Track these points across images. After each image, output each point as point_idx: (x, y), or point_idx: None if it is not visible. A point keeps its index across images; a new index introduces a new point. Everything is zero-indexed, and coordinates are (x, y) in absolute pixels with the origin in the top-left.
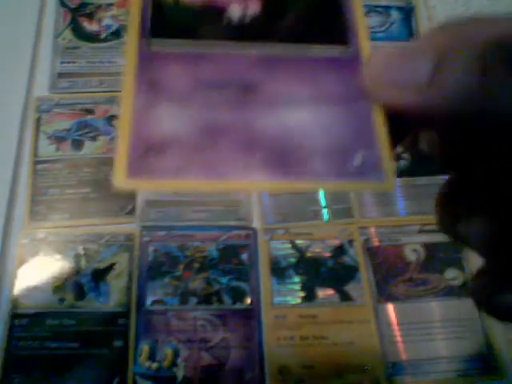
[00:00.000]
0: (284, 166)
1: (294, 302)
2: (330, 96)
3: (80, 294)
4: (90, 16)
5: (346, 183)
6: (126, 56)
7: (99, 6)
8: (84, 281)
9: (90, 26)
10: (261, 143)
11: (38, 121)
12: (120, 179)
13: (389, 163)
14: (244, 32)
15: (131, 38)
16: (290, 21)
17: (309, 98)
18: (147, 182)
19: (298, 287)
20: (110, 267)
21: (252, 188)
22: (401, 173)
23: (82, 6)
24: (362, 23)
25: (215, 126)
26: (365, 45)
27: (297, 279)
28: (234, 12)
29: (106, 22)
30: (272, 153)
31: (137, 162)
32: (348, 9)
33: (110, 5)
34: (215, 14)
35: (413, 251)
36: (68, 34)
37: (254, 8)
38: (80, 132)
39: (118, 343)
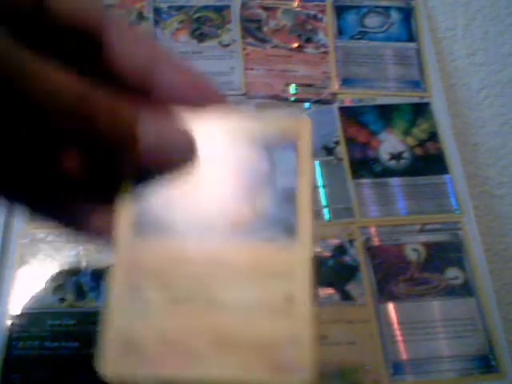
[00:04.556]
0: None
1: None
2: None
3: (80, 294)
4: None
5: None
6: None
7: None
8: (84, 281)
9: None
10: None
11: None
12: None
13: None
14: None
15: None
16: None
17: None
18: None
19: None
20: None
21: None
22: (401, 172)
23: None
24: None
25: None
26: None
27: None
28: None
29: None
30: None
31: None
32: None
33: (110, 6)
34: None
35: (413, 251)
36: None
37: None
38: None
39: None
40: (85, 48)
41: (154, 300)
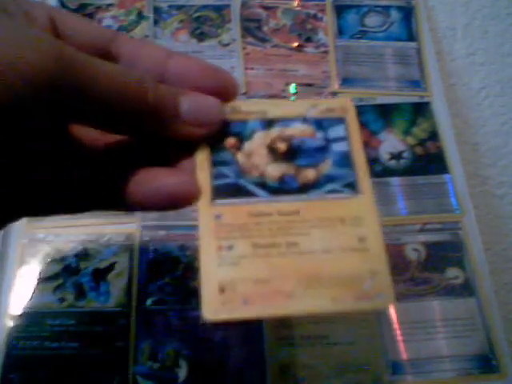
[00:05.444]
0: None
1: None
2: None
3: (80, 293)
4: (90, 17)
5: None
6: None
7: (99, 7)
8: (84, 281)
9: None
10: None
11: None
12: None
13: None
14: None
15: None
16: None
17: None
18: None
19: None
20: (110, 267)
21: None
22: (401, 172)
23: (82, 6)
24: None
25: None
26: None
27: None
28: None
29: (106, 22)
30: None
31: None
32: None
33: (110, 5)
34: None
35: (413, 250)
36: None
37: None
38: None
39: (118, 343)
40: None
41: (240, 248)
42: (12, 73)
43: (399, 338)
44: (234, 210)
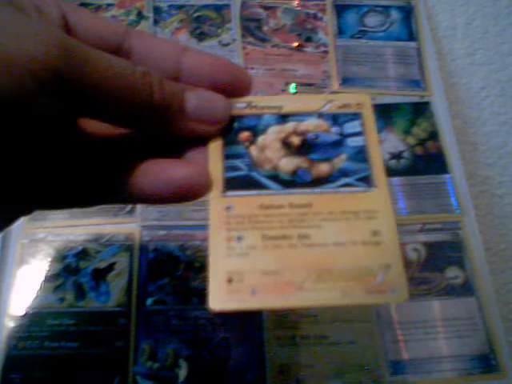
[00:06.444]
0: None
1: None
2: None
3: (80, 293)
4: None
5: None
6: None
7: (99, 7)
8: (84, 281)
9: None
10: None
11: None
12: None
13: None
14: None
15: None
16: None
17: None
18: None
19: None
20: (110, 267)
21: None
22: (401, 172)
23: (82, 6)
24: None
25: None
26: None
27: None
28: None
29: None
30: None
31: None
32: None
33: (110, 5)
34: None
35: (414, 250)
36: None
37: None
38: None
39: (118, 343)
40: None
41: (249, 239)
42: (16, 65)
43: (399, 337)
44: (245, 201)
